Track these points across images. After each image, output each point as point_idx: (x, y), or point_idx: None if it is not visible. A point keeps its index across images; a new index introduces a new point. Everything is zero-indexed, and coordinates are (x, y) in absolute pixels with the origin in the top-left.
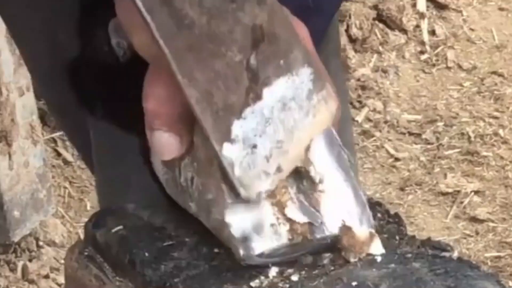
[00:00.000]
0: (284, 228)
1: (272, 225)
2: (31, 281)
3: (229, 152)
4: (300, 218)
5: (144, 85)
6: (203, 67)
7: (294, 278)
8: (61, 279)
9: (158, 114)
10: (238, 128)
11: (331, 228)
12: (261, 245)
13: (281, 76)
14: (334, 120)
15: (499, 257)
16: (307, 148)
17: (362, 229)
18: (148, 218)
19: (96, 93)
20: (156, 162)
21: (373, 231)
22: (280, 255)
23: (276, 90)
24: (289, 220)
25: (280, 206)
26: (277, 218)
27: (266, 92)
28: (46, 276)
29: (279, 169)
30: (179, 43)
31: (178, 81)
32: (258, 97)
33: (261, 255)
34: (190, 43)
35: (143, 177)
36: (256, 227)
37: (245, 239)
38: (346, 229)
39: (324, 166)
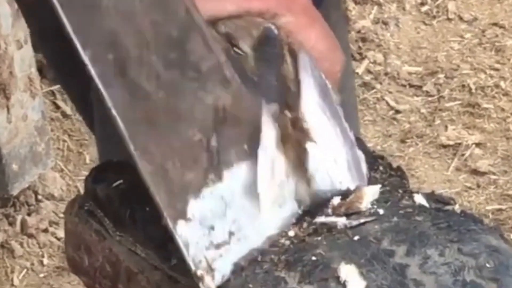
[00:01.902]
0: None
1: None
2: (30, 235)
3: (184, 230)
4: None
5: None
6: (159, 141)
7: (294, 234)
8: (61, 233)
9: None
10: (195, 207)
11: (320, 182)
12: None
13: (244, 161)
14: (335, 75)
15: (500, 210)
16: (299, 98)
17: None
18: None
19: None
20: None
21: (363, 185)
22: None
23: (238, 174)
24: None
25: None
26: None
27: (227, 174)
28: (45, 230)
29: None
30: (134, 114)
31: (131, 153)
32: (218, 178)
33: None
34: (146, 115)
35: None
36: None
37: None
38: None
39: (315, 118)
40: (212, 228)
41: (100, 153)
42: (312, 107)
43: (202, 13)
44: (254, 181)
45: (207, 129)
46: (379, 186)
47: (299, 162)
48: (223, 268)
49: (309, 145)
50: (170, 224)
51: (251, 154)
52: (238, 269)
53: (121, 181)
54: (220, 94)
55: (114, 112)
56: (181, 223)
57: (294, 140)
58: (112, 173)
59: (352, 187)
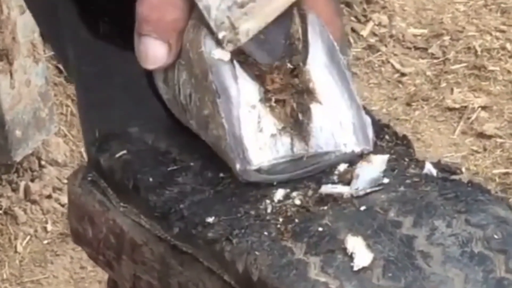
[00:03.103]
0: (285, 141)
1: (272, 135)
2: (34, 201)
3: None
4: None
5: None
6: None
7: (299, 202)
8: (64, 199)
9: (149, 18)
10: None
11: (323, 143)
12: (258, 157)
13: None
14: (338, 33)
15: (507, 174)
16: (306, 57)
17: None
18: (153, 143)
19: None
20: (158, 82)
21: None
22: (279, 171)
23: None
24: (288, 131)
25: (279, 117)
26: (278, 129)
27: None
28: (49, 196)
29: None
30: None
31: None
32: None
33: (259, 170)
34: None
35: (133, 100)
36: (255, 137)
37: (242, 151)
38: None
39: (321, 78)
40: None
41: (83, 121)
42: (319, 67)
43: None
44: None
45: None
46: (387, 156)
47: (297, 118)
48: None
49: (313, 105)
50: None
51: None
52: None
53: (124, 151)
54: None
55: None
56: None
57: (295, 94)
58: (116, 143)
59: (357, 150)
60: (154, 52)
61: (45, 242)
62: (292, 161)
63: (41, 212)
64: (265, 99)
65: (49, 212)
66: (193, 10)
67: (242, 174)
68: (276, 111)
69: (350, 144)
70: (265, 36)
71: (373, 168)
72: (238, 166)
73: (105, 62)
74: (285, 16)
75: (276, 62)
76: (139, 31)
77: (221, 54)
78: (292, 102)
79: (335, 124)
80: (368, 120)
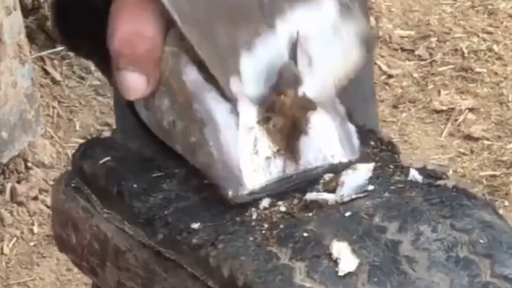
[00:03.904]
0: (278, 163)
1: (267, 158)
2: (20, 203)
3: (235, 87)
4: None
5: (109, 22)
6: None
7: (284, 209)
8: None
9: (122, 52)
10: (246, 61)
11: (312, 159)
12: (252, 181)
13: (298, 8)
14: None
15: (494, 176)
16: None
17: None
18: (137, 149)
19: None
20: (140, 108)
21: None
22: (270, 189)
23: (292, 22)
24: (282, 153)
25: (275, 139)
26: (273, 152)
27: (280, 24)
28: (35, 198)
29: None
30: None
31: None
32: (272, 28)
33: (250, 193)
34: None
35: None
36: (250, 160)
37: (235, 177)
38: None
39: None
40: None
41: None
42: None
43: None
44: (312, 28)
45: None
46: (373, 164)
47: (290, 139)
48: None
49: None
50: (221, 82)
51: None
52: (227, 239)
53: (108, 157)
54: None
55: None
56: (233, 80)
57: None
58: (100, 150)
59: (344, 161)
60: (133, 84)
61: (32, 244)
62: (282, 180)
63: (28, 214)
64: (262, 121)
65: (36, 214)
66: (166, 36)
67: (234, 199)
68: (273, 133)
69: (337, 155)
70: None
71: (358, 175)
72: (230, 193)
73: None
74: None
75: None
76: (115, 65)
77: None
78: (289, 122)
79: (322, 138)
80: (352, 128)
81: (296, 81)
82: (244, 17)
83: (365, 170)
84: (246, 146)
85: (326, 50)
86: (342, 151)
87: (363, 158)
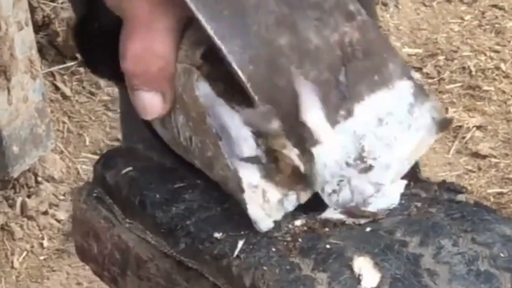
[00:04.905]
0: (291, 198)
1: (279, 201)
2: (30, 217)
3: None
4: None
5: (120, 45)
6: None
7: (306, 223)
8: (60, 215)
9: (136, 72)
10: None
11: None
12: (267, 224)
13: (375, 91)
14: None
15: (501, 193)
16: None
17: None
18: (159, 159)
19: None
20: (156, 126)
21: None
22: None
23: (370, 106)
24: (294, 190)
25: (283, 184)
26: (284, 194)
27: (358, 108)
28: (45, 212)
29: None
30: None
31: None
32: (350, 114)
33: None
34: (269, 61)
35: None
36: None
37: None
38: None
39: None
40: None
41: (123, 130)
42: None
43: None
44: (389, 110)
45: (335, 66)
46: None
47: (300, 173)
48: None
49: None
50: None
51: (383, 83)
52: (250, 249)
53: (130, 168)
54: (346, 29)
55: (235, 67)
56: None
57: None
58: (121, 160)
59: None
60: (150, 104)
61: (42, 258)
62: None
63: (38, 228)
64: (266, 175)
65: (46, 228)
66: (178, 53)
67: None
68: (279, 180)
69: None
70: None
71: (386, 200)
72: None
73: None
74: None
75: None
76: (130, 86)
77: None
78: (294, 157)
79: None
80: None
81: None
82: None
83: (394, 195)
84: (255, 201)
85: (402, 134)
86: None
87: None
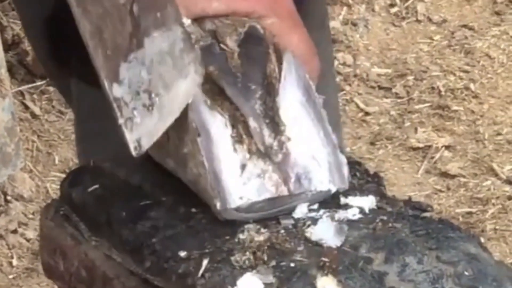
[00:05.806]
0: (266, 182)
1: (258, 175)
2: None
3: (118, 93)
4: (278, 172)
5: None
6: (94, 1)
7: (270, 238)
8: (30, 234)
9: None
10: (124, 71)
11: (298, 178)
12: (239, 198)
13: (158, 29)
14: (315, 72)
15: (470, 213)
16: (276, 94)
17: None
18: (125, 177)
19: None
20: None
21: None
22: (257, 209)
23: (155, 42)
24: (269, 172)
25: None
26: (262, 170)
27: (147, 41)
28: (14, 231)
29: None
30: None
31: (74, 13)
32: (140, 44)
33: (238, 209)
34: None
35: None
36: (237, 177)
37: (223, 190)
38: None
39: (297, 115)
40: (138, 93)
41: (79, 149)
42: (294, 105)
43: (189, 11)
44: (168, 50)
45: None
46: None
47: (276, 159)
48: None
49: (290, 144)
50: (107, 85)
51: (163, 22)
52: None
53: (97, 185)
54: None
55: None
56: (115, 86)
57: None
58: (88, 177)
59: (333, 189)
60: None
61: (11, 276)
62: (269, 200)
63: (7, 247)
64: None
65: (15, 247)
66: None
67: (221, 213)
68: (257, 153)
69: (326, 182)
70: (240, 74)
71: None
72: (218, 205)
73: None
74: (261, 55)
75: (252, 101)
76: None
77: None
78: (272, 141)
79: (312, 162)
80: (343, 159)
81: None
82: (121, 23)
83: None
84: (232, 163)
85: (175, 77)
86: (331, 179)
87: (349, 188)
